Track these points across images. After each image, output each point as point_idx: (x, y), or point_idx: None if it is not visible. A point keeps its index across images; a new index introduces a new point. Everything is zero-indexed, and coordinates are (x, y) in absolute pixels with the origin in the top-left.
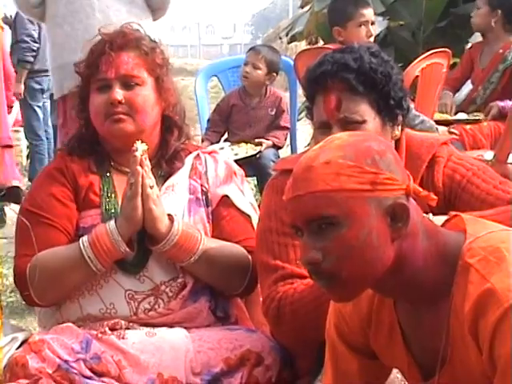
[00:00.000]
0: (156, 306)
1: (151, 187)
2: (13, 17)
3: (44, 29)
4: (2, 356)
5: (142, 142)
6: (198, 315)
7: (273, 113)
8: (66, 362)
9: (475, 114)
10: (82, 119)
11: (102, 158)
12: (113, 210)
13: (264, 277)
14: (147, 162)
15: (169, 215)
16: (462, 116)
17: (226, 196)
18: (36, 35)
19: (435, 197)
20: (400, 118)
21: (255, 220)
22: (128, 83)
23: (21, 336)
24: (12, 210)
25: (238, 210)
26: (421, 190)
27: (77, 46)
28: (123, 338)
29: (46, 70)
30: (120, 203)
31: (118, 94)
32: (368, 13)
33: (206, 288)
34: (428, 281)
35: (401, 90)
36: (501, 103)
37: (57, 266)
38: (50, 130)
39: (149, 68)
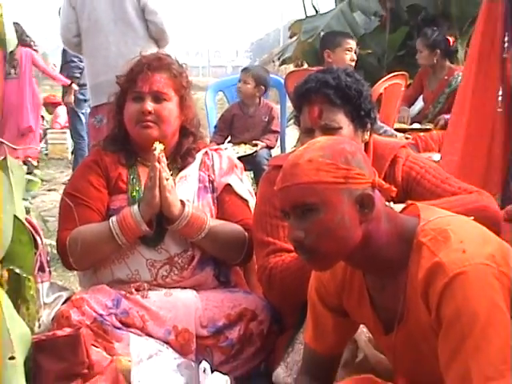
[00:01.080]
0: (172, 274)
1: (167, 179)
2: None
3: None
4: (49, 310)
5: (161, 142)
6: (205, 281)
7: (266, 119)
8: (100, 315)
9: (427, 124)
10: (116, 121)
11: (130, 154)
12: (137, 196)
13: (259, 250)
14: (164, 159)
15: (181, 201)
16: (416, 126)
17: (229, 184)
18: (81, 57)
19: (395, 189)
20: (369, 125)
21: (252, 204)
22: (158, 98)
23: (65, 294)
24: (59, 194)
25: (238, 195)
26: (384, 183)
27: (99, 72)
28: (146, 297)
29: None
30: (143, 190)
31: (149, 105)
32: (352, 42)
33: (211, 259)
34: (389, 255)
35: (370, 103)
36: (446, 116)
37: (91, 239)
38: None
39: (176, 88)
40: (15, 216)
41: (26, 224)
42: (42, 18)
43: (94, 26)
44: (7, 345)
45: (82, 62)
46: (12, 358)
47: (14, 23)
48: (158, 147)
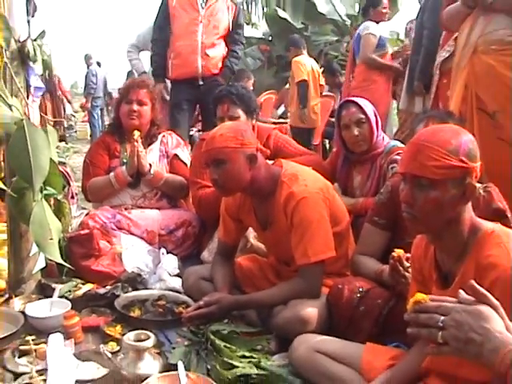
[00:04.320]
0: (145, 202)
1: (141, 152)
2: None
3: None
4: (77, 220)
5: (138, 130)
6: (163, 206)
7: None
8: (105, 223)
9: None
10: (116, 115)
11: (121, 135)
12: (124, 160)
13: (192, 187)
14: (139, 140)
15: (149, 164)
16: (281, 120)
17: (176, 154)
18: (95, 81)
19: (269, 151)
20: (254, 116)
21: (189, 165)
22: (140, 103)
23: (85, 211)
24: (82, 157)
25: (181, 160)
26: (263, 148)
27: None
28: (130, 213)
29: (99, 97)
30: (128, 157)
31: (135, 107)
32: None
33: (166, 195)
34: (265, 188)
35: (255, 104)
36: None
37: (100, 186)
38: (100, 123)
39: (150, 98)
40: (51, 159)
41: (58, 165)
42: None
43: None
44: (48, 232)
45: (95, 84)
46: (51, 239)
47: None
48: (136, 133)
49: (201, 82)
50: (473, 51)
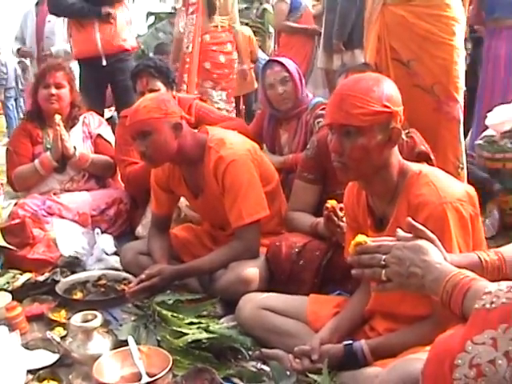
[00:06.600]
0: (73, 185)
1: (63, 135)
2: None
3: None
4: (6, 210)
5: (59, 113)
6: (92, 187)
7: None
8: (35, 210)
9: None
10: (33, 100)
11: (42, 121)
12: (48, 146)
13: (120, 164)
14: (61, 123)
15: (74, 146)
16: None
17: (99, 134)
18: (5, 71)
19: (193, 119)
20: (174, 87)
21: (113, 142)
22: (58, 86)
23: (13, 201)
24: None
25: (105, 139)
26: (187, 116)
27: None
28: (59, 197)
29: (12, 87)
30: (51, 142)
31: (54, 90)
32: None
33: (94, 176)
34: (193, 155)
35: (173, 76)
36: None
37: (25, 174)
38: (16, 114)
39: (68, 80)
40: None
41: None
42: None
43: None
44: None
45: (6, 74)
46: None
47: None
48: (57, 117)
49: (104, 63)
50: (383, 3)
